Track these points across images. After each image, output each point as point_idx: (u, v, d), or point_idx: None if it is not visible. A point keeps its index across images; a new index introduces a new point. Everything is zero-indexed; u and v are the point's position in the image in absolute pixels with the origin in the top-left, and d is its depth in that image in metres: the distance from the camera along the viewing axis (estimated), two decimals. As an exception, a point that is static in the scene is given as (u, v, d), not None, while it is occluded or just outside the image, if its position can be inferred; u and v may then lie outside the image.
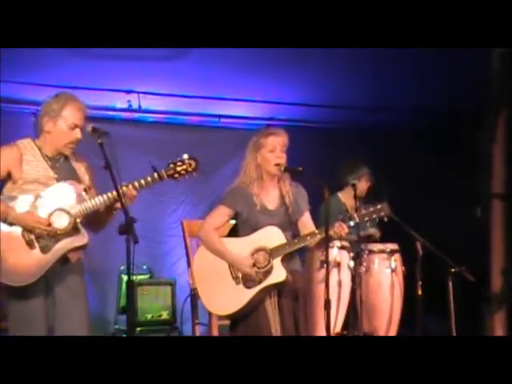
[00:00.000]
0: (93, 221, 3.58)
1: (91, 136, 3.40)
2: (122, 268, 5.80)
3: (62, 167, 3.56)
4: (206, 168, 6.39)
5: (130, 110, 6.11)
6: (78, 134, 3.52)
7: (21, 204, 3.41)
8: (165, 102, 6.17)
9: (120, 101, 6.01)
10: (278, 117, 6.60)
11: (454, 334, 4.55)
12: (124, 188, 3.43)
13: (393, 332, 5.16)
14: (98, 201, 3.46)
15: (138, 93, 5.91)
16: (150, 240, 6.19)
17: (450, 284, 4.52)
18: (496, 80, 4.93)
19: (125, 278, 5.78)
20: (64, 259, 3.46)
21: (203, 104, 6.27)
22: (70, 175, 3.55)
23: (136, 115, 6.25)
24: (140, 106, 6.06)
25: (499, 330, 4.87)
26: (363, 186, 5.62)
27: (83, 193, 3.52)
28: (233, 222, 4.13)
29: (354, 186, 5.43)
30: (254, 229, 3.96)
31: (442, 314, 4.74)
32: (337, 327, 4.96)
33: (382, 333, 5.13)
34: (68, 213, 3.43)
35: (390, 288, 5.14)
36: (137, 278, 5.90)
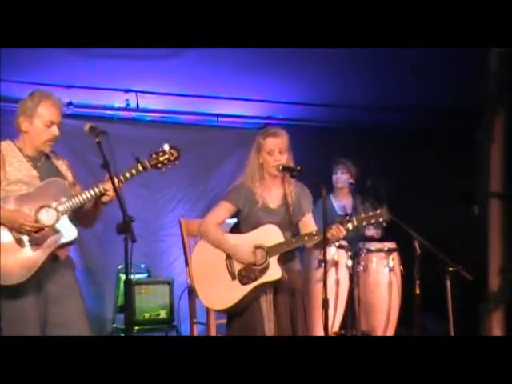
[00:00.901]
0: (82, 217, 3.58)
1: (89, 135, 3.39)
2: (120, 267, 5.78)
3: (43, 166, 3.55)
4: (204, 167, 6.52)
5: (127, 109, 6.09)
6: (55, 131, 3.51)
7: (7, 204, 3.40)
8: (163, 101, 6.15)
9: (118, 100, 5.99)
10: (276, 116, 6.59)
11: (452, 334, 4.55)
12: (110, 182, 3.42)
13: (391, 331, 5.17)
14: (85, 196, 3.46)
15: (136, 92, 5.89)
16: (148, 239, 6.17)
17: (448, 283, 4.52)
18: (494, 80, 4.94)
19: (123, 276, 5.75)
20: (54, 257, 3.45)
21: (201, 103, 6.26)
22: (52, 173, 3.54)
23: (134, 114, 6.23)
24: (138, 105, 6.04)
25: (497, 330, 4.88)
26: (342, 178, 5.61)
27: (69, 189, 3.52)
28: (234, 220, 4.14)
29: (351, 184, 5.44)
30: (255, 226, 3.97)
31: (440, 313, 4.74)
32: (335, 326, 4.97)
33: (379, 332, 5.13)
34: (55, 209, 3.43)
35: (388, 287, 5.15)
36: (135, 276, 5.88)
